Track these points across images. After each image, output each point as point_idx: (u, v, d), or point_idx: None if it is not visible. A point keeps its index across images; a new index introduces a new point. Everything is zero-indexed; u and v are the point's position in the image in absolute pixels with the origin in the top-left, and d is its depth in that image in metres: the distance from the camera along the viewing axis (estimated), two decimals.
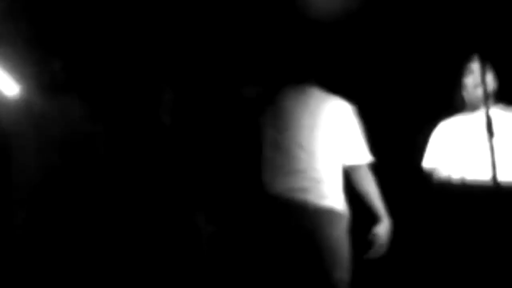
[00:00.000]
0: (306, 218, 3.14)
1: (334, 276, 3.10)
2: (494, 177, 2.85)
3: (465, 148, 3.30)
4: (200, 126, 3.69)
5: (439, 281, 2.90)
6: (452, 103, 3.51)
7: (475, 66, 3.37)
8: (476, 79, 3.34)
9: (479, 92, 3.31)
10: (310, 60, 3.43)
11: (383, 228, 3.26)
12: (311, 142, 3.24)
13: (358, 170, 3.33)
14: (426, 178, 3.41)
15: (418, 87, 4.10)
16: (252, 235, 3.26)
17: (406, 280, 3.51)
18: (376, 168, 3.37)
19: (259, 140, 3.35)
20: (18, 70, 3.42)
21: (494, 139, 3.08)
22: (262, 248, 3.17)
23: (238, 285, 3.45)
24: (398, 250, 3.36)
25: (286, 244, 3.13)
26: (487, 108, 3.02)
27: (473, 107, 3.39)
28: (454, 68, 3.57)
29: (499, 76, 3.42)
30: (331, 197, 3.22)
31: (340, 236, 3.17)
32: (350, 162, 3.34)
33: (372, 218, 3.34)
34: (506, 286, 2.78)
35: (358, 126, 3.38)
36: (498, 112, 3.31)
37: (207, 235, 3.46)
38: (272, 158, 3.26)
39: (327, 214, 3.16)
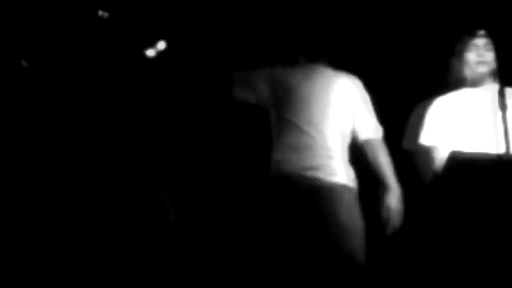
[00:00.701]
0: (317, 196, 3.16)
1: (347, 253, 3.11)
2: (508, 148, 2.91)
3: (472, 123, 3.30)
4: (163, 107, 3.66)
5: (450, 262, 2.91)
6: (444, 79, 3.50)
7: (480, 41, 3.38)
8: (481, 55, 3.36)
9: (483, 68, 3.35)
10: (319, 37, 3.43)
11: (394, 199, 3.27)
12: (322, 119, 3.26)
13: (373, 143, 3.35)
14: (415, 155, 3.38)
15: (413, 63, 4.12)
16: (263, 213, 3.24)
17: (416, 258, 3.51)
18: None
19: (267, 120, 3.35)
20: None
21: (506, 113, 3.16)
22: (274, 226, 3.17)
23: (249, 264, 3.41)
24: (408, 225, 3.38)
25: (298, 222, 3.14)
26: (499, 83, 3.09)
27: (475, 83, 3.38)
28: (443, 44, 3.58)
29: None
30: (342, 173, 3.25)
31: (350, 212, 3.19)
32: (364, 136, 3.37)
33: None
34: None
35: (368, 101, 3.41)
36: (495, 91, 3.35)
37: (170, 212, 3.43)
38: (282, 137, 3.26)
39: (338, 190, 3.19)
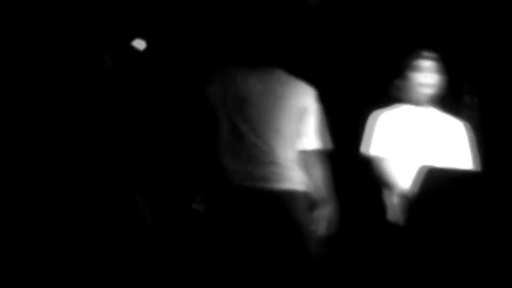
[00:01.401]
0: (269, 205, 3.20)
1: (307, 253, 3.20)
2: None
3: (411, 140, 3.48)
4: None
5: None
6: (388, 93, 3.64)
7: (426, 64, 3.50)
8: (426, 77, 3.49)
9: (426, 91, 3.49)
10: (281, 41, 3.39)
11: (325, 211, 3.32)
12: (272, 127, 3.26)
13: (312, 154, 3.38)
14: (366, 163, 3.54)
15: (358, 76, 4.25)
16: (217, 223, 3.27)
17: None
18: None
19: (216, 125, 3.33)
20: None
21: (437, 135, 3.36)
22: (228, 237, 3.21)
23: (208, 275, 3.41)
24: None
25: (252, 232, 3.18)
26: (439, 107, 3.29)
27: (417, 102, 3.54)
28: (393, 59, 3.69)
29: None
30: (289, 179, 3.27)
31: (304, 217, 3.25)
32: (308, 146, 3.39)
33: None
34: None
35: (319, 111, 3.41)
36: (437, 113, 3.55)
37: (146, 214, 3.46)
38: (232, 145, 3.26)
39: (290, 198, 3.23)
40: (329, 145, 3.43)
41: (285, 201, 3.22)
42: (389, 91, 3.63)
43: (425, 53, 3.53)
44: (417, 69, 3.52)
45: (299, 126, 3.35)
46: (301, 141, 3.37)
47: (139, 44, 4.16)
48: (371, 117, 3.60)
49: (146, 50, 4.08)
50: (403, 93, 3.57)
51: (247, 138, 3.23)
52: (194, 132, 3.44)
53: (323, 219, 3.29)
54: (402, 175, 3.37)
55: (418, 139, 3.50)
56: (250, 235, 3.17)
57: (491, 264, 2.67)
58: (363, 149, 3.56)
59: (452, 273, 2.68)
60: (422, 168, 2.77)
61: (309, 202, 3.29)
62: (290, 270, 3.16)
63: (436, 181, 2.81)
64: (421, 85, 3.51)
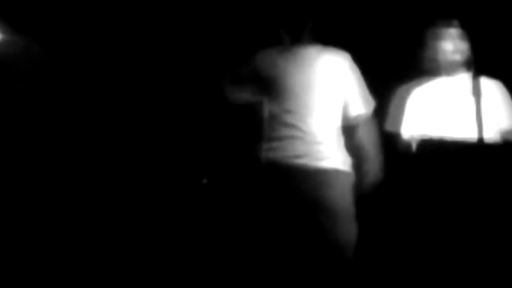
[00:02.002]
0: (304, 183, 3.14)
1: (338, 237, 3.13)
2: (480, 134, 3.06)
3: (449, 113, 3.41)
4: None
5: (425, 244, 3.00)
6: (415, 66, 3.55)
7: (454, 31, 3.45)
8: (456, 44, 3.43)
9: (457, 57, 3.42)
10: (301, 10, 3.35)
11: (374, 167, 3.27)
12: (307, 108, 3.22)
13: (363, 118, 3.32)
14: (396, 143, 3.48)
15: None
16: (251, 203, 3.23)
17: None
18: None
19: (254, 113, 3.32)
20: None
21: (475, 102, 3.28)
22: (262, 216, 3.17)
23: (240, 254, 3.45)
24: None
25: (286, 210, 3.14)
26: (473, 72, 3.23)
27: (448, 72, 3.47)
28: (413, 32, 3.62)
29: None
30: (330, 158, 3.20)
31: (343, 196, 3.18)
32: (355, 112, 3.31)
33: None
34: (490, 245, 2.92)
35: (358, 74, 3.33)
36: (469, 79, 3.43)
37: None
38: (270, 130, 3.23)
39: (325, 175, 3.15)
40: (373, 105, 3.34)
41: (325, 179, 3.15)
42: (412, 63, 3.56)
43: (445, 21, 3.49)
44: (440, 37, 3.47)
45: (341, 96, 3.28)
46: (350, 108, 3.30)
47: None
48: (398, 92, 3.53)
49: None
50: (426, 64, 3.51)
51: (282, 123, 3.21)
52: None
53: (372, 171, 3.25)
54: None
55: (456, 112, 3.42)
56: (283, 212, 3.13)
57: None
58: (390, 126, 3.50)
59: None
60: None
61: (351, 182, 3.23)
62: (321, 252, 3.12)
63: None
64: (446, 52, 3.44)
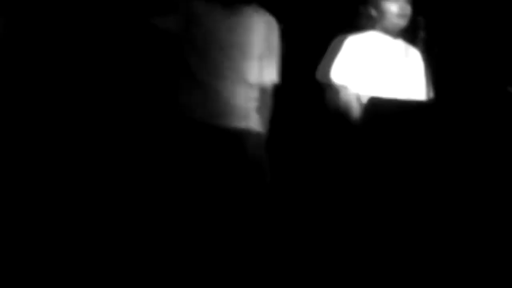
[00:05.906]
0: (226, 143, 3.26)
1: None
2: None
3: (380, 68, 3.47)
4: None
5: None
6: (355, 18, 3.59)
7: None
8: (402, 9, 3.45)
9: (400, 22, 3.45)
10: None
11: None
12: (228, 66, 3.28)
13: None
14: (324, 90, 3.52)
15: None
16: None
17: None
18: None
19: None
20: None
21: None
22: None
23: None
24: None
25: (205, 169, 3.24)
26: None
27: (388, 31, 3.51)
28: None
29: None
30: (248, 118, 3.31)
31: (256, 155, 3.31)
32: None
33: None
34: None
35: (277, 44, 3.40)
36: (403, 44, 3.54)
37: None
38: (189, 85, 3.27)
39: (243, 135, 3.28)
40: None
41: (241, 138, 3.27)
42: (356, 20, 3.60)
43: None
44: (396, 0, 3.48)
45: (262, 61, 3.35)
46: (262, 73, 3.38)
47: None
48: (334, 41, 3.56)
49: None
50: (372, 23, 3.53)
51: (201, 78, 3.26)
52: None
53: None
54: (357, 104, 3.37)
55: (381, 68, 3.49)
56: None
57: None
58: (319, 74, 3.54)
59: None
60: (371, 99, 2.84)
61: (262, 141, 3.34)
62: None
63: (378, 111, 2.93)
64: (397, 15, 3.48)
